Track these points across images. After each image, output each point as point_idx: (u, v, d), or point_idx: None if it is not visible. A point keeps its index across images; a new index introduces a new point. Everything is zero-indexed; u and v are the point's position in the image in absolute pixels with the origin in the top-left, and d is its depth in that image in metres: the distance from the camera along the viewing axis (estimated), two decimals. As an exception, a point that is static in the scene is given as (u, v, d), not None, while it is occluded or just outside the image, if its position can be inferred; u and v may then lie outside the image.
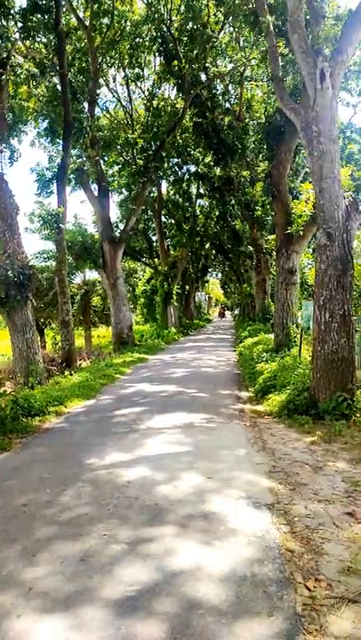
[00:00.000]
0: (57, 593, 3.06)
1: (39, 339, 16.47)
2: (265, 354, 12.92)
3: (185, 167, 29.47)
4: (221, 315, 76.91)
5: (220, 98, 21.79)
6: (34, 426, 7.76)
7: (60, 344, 17.66)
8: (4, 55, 10.99)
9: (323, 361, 7.59)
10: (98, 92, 20.84)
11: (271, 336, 15.66)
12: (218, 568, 3.28)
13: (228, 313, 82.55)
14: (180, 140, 24.06)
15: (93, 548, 3.62)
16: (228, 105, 22.37)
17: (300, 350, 11.53)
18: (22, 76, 14.44)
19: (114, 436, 6.98)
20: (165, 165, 25.06)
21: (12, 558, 3.51)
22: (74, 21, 18.09)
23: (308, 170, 16.51)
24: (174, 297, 31.83)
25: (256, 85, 21.02)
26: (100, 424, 7.80)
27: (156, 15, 18.16)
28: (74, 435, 7.20)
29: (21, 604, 2.96)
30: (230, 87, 23.03)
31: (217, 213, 31.80)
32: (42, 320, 27.28)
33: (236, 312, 63.17)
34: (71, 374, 13.07)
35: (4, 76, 11.73)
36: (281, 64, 11.31)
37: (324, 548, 3.54)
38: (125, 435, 7.01)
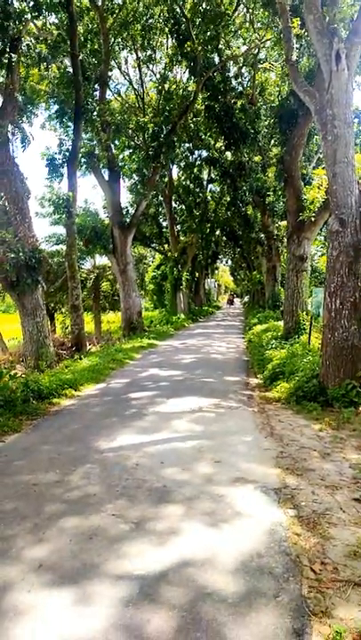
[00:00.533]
0: (66, 569, 3.12)
1: (49, 323, 16.57)
2: (274, 341, 12.89)
3: (196, 152, 29.20)
4: (230, 302, 73.19)
5: (233, 81, 21.43)
6: (44, 408, 7.84)
7: (69, 328, 17.77)
8: (16, 36, 10.86)
9: (332, 348, 7.56)
10: (109, 74, 20.62)
11: (281, 323, 15.61)
12: (224, 549, 3.32)
13: (237, 300, 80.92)
14: (192, 125, 23.79)
15: (102, 526, 3.68)
16: (240, 88, 22.03)
17: (309, 337, 11.49)
18: (34, 58, 14.28)
19: (123, 419, 7.04)
20: (177, 150, 24.82)
21: (22, 535, 3.58)
22: (86, 1, 17.83)
23: (320, 156, 16.26)
24: (184, 283, 31.75)
25: (270, 68, 20.63)
26: (109, 407, 7.86)
27: (169, -5, 17.83)
28: (83, 417, 7.26)
29: (31, 579, 3.02)
30: (244, 70, 22.66)
31: (228, 199, 31.53)
32: (52, 305, 27.40)
33: (246, 299, 62.75)
34: (81, 358, 13.15)
35: (14, 58, 11.63)
36: (296, 46, 11.09)
37: (331, 533, 3.56)
38: (134, 418, 7.06)
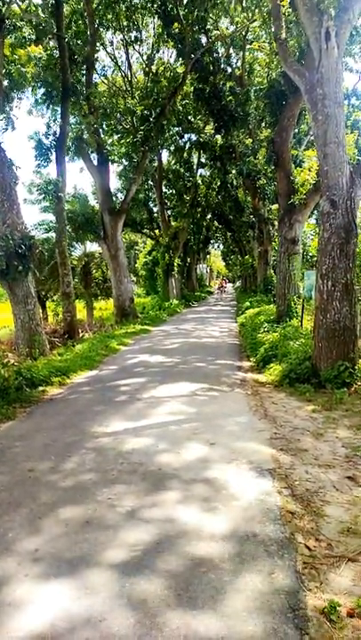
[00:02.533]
0: (62, 554, 3.13)
1: (41, 311, 16.47)
2: (266, 324, 12.92)
3: (186, 136, 28.87)
4: (222, 288, 57.90)
5: (222, 62, 21.10)
6: (37, 396, 7.83)
7: (61, 316, 17.68)
8: (0, 16, 10.58)
9: (325, 330, 7.59)
10: (96, 56, 20.22)
11: (272, 307, 15.63)
12: (220, 529, 3.35)
13: (229, 285, 75.73)
14: (181, 108, 23.46)
15: (98, 511, 3.70)
16: (229, 70, 21.71)
17: (301, 320, 11.53)
18: (19, 39, 13.97)
19: (117, 405, 7.05)
20: (166, 134, 24.52)
21: (18, 521, 3.59)
22: (70, -19, 17.43)
23: (311, 138, 16.14)
24: (176, 269, 31.63)
25: (259, 48, 20.32)
26: (103, 394, 7.86)
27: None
28: (77, 404, 7.27)
29: (28, 566, 3.03)
30: (232, 51, 22.31)
31: (218, 183, 31.29)
32: (43, 293, 27.20)
33: (238, 284, 62.26)
34: (73, 346, 13.11)
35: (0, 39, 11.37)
36: (284, 25, 10.92)
37: (325, 511, 3.61)
38: (128, 404, 7.08)
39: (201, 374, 9.12)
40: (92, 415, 6.49)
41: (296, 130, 16.31)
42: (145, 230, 37.04)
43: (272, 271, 22.96)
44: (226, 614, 2.52)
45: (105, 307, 35.49)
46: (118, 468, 4.52)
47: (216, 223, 46.34)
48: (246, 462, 4.55)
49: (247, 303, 22.69)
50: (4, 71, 13.00)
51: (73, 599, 2.68)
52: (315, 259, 14.62)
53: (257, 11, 17.44)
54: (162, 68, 21.78)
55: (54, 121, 18.06)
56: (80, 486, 4.16)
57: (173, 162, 31.39)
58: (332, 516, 3.52)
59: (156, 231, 34.73)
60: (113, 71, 24.43)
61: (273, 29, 10.11)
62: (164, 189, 32.49)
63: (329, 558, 3.03)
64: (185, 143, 29.27)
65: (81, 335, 17.14)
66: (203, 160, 31.84)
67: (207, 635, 2.38)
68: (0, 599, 2.71)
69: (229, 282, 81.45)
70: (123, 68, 23.45)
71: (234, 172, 24.03)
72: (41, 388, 8.24)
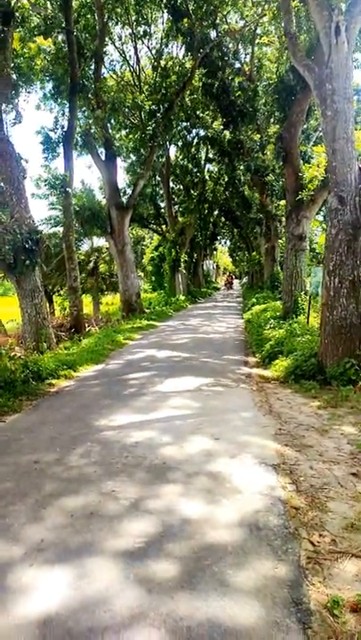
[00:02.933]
0: (68, 544, 3.16)
1: (47, 305, 16.53)
2: (272, 321, 12.90)
3: (194, 131, 28.77)
4: (228, 284, 57.63)
5: (231, 57, 20.97)
6: (44, 389, 7.88)
7: (68, 310, 17.74)
8: (8, 9, 10.57)
9: (331, 327, 7.57)
10: (104, 50, 20.17)
11: (279, 303, 15.59)
12: (224, 522, 3.37)
13: (236, 282, 73.69)
14: (189, 102, 23.38)
15: (103, 502, 3.72)
16: (238, 65, 21.58)
17: (308, 317, 11.50)
18: (29, 31, 13.96)
19: (123, 398, 7.08)
20: (174, 129, 24.44)
21: (24, 512, 3.62)
22: (79, -26, 17.38)
23: (320, 134, 16.03)
24: (182, 264, 31.61)
25: (268, 43, 20.16)
26: (109, 387, 7.89)
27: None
28: (83, 397, 7.30)
29: (33, 555, 3.06)
30: (241, 46, 22.16)
31: (226, 179, 31.20)
32: (50, 287, 27.32)
33: (245, 280, 61.97)
34: (80, 340, 13.16)
35: (8, 33, 11.34)
36: (294, 20, 10.84)
37: (329, 506, 3.61)
38: (134, 398, 7.10)
39: (207, 369, 9.12)
40: (98, 408, 6.52)
41: (305, 126, 16.22)
42: (152, 226, 36.99)
43: (279, 268, 22.89)
44: (229, 606, 2.53)
45: (111, 302, 35.59)
46: (123, 461, 4.55)
47: (223, 219, 46.18)
48: (251, 457, 4.56)
49: (253, 299, 22.65)
50: (12, 65, 13.01)
51: (76, 586, 2.72)
52: (321, 255, 14.55)
53: (267, 5, 17.32)
54: (170, 63, 21.68)
55: (62, 115, 18.07)
56: (85, 478, 4.19)
57: (181, 157, 31.31)
58: (336, 512, 3.52)
59: (163, 227, 34.69)
60: (121, 66, 24.39)
61: (283, 24, 10.02)
62: (171, 185, 32.43)
63: (333, 554, 3.03)
64: (193, 138, 29.18)
65: (87, 330, 17.21)
66: (210, 155, 31.74)
67: (210, 625, 2.40)
68: (6, 585, 2.74)
69: (236, 278, 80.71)
70: (131, 63, 23.40)
71: (242, 167, 23.91)
72: (47, 382, 8.29)
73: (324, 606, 2.54)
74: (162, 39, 21.92)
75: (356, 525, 3.32)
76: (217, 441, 5.05)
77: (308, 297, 12.44)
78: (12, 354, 9.62)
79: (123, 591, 2.67)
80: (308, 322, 11.35)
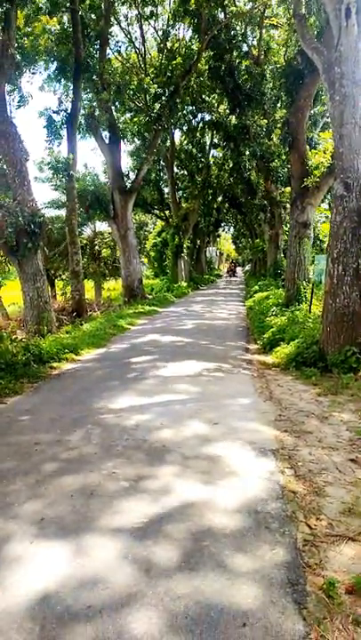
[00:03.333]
0: (67, 522, 3.20)
1: (50, 289, 16.50)
2: (275, 308, 12.89)
3: (199, 115, 28.44)
4: (231, 272, 57.89)
5: (239, 39, 20.62)
6: (45, 372, 7.91)
7: (70, 294, 17.73)
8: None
9: (333, 314, 7.54)
10: (110, 31, 19.85)
11: (281, 291, 15.55)
12: (222, 505, 3.39)
13: (239, 269, 73.07)
14: (195, 86, 23.06)
15: (103, 483, 3.75)
16: (246, 48, 21.24)
17: (310, 305, 11.47)
18: (34, 11, 13.73)
19: (123, 382, 7.10)
20: (179, 113, 24.14)
21: (24, 491, 3.65)
22: None
23: (327, 120, 15.82)
24: (185, 251, 31.49)
25: (277, 24, 19.81)
26: (110, 371, 7.92)
27: None
28: (84, 381, 7.33)
29: (34, 532, 3.10)
30: (249, 29, 21.78)
31: (231, 165, 30.88)
32: (52, 271, 27.26)
33: (248, 268, 61.65)
34: (82, 324, 13.18)
35: (12, 12, 11.15)
36: (303, 1, 10.64)
37: (327, 491, 3.63)
38: (135, 382, 7.12)
39: (208, 355, 9.13)
40: (99, 391, 6.55)
41: (312, 111, 16.00)
42: (155, 211, 36.79)
43: (282, 255, 22.79)
44: (226, 586, 2.56)
45: (113, 287, 35.55)
46: (123, 444, 4.58)
47: (227, 205, 45.86)
48: (250, 442, 4.58)
49: (256, 287, 22.61)
50: (16, 44, 12.82)
51: (75, 563, 2.76)
52: (324, 243, 14.48)
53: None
54: (177, 45, 21.34)
55: (66, 97, 17.87)
56: (85, 459, 4.22)
57: (186, 142, 31.01)
58: (333, 497, 3.54)
59: (167, 212, 34.50)
60: (127, 47, 24.01)
61: (292, 5, 9.82)
62: (175, 170, 32.17)
63: (329, 537, 3.06)
64: (198, 123, 28.85)
65: (89, 314, 17.22)
66: (216, 141, 31.42)
67: (207, 604, 2.43)
68: (6, 562, 2.78)
69: (239, 265, 79.96)
70: (137, 45, 23.04)
71: (247, 153, 23.68)
72: (49, 365, 8.32)
73: (320, 588, 2.57)
74: (168, 20, 21.54)
75: (353, 510, 3.34)
76: (217, 425, 5.07)
77: (310, 285, 12.40)
78: (14, 337, 9.64)
79: (121, 569, 2.71)
80: (310, 309, 11.32)
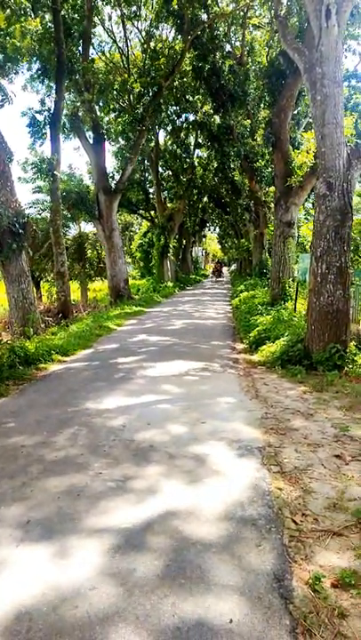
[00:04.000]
0: (54, 525, 3.18)
1: (35, 290, 16.39)
2: (260, 307, 12.96)
3: (183, 116, 28.47)
4: (217, 272, 50.89)
5: (222, 40, 20.70)
6: (30, 374, 7.85)
7: (55, 296, 17.62)
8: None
9: (318, 313, 7.62)
10: (92, 31, 19.77)
11: (267, 290, 15.65)
12: (209, 503, 3.41)
13: (225, 269, 70.48)
14: (179, 86, 23.08)
15: (90, 484, 3.74)
16: (229, 48, 21.33)
17: (295, 303, 11.56)
18: (14, 10, 13.56)
19: (110, 383, 7.08)
20: (163, 113, 24.14)
21: (10, 494, 3.63)
22: None
23: (310, 120, 15.94)
24: (171, 251, 31.50)
25: (259, 24, 19.93)
26: (96, 372, 7.89)
27: None
28: (70, 382, 7.29)
29: (20, 535, 3.08)
30: (232, 29, 21.88)
31: (215, 165, 30.97)
32: (37, 273, 27.07)
33: (233, 267, 61.58)
34: (68, 325, 13.10)
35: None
36: (284, 2, 10.74)
37: (312, 487, 3.67)
38: (121, 382, 7.11)
39: (195, 354, 9.15)
40: (85, 393, 6.53)
41: (295, 111, 16.13)
42: (140, 211, 36.71)
43: (267, 254, 22.92)
44: (212, 582, 2.58)
45: (99, 288, 35.42)
46: (110, 444, 4.57)
47: (212, 205, 45.96)
48: (237, 440, 4.60)
49: (242, 286, 22.71)
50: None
51: (60, 564, 2.75)
52: (308, 243, 14.58)
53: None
54: (160, 45, 21.34)
55: (49, 97, 17.73)
56: (71, 461, 4.20)
57: (170, 142, 31.01)
58: (319, 493, 3.58)
59: (152, 212, 34.46)
60: (110, 47, 23.94)
61: (274, 6, 9.89)
62: (160, 170, 32.15)
63: (315, 532, 3.09)
64: (182, 123, 28.87)
65: (75, 315, 17.13)
66: (200, 141, 31.48)
67: (193, 599, 2.44)
68: (-9, 567, 2.77)
69: (225, 265, 79.52)
70: (120, 45, 22.98)
71: (231, 153, 23.77)
72: (34, 366, 8.27)
73: (306, 582, 2.59)
74: (152, 21, 21.53)
75: (338, 505, 3.38)
76: (203, 424, 5.09)
77: (295, 283, 12.50)
78: (-1, 339, 9.56)
79: (106, 572, 2.71)
80: (295, 308, 11.42)
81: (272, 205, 18.28)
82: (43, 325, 12.69)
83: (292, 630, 2.27)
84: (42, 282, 28.73)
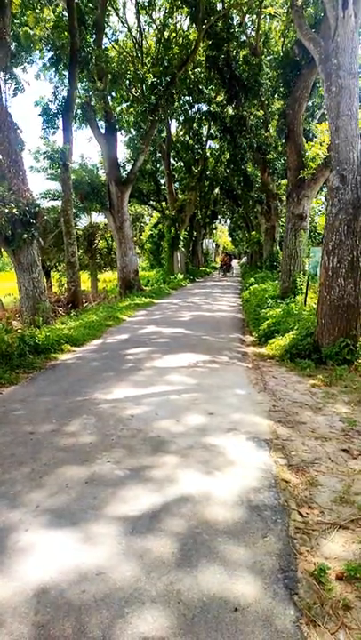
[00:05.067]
0: (63, 510, 3.23)
1: (45, 280, 16.46)
2: (270, 300, 12.91)
3: (196, 106, 28.25)
4: (226, 266, 41.85)
5: (237, 29, 20.45)
6: (40, 362, 7.91)
7: (66, 286, 17.69)
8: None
9: (328, 307, 7.58)
10: (106, 19, 19.62)
11: (277, 283, 15.57)
12: (216, 493, 3.43)
13: (234, 262, 69.59)
14: (192, 76, 22.89)
15: (98, 472, 3.78)
16: (244, 38, 21.07)
17: (305, 297, 11.51)
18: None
19: (119, 373, 7.12)
20: (176, 103, 23.95)
21: (20, 480, 3.68)
22: None
23: (324, 111, 15.75)
24: (181, 242, 31.39)
25: (274, 14, 19.64)
26: (106, 362, 7.93)
27: None
28: (80, 371, 7.34)
29: (29, 520, 3.13)
30: (247, 19, 21.60)
31: (227, 156, 30.73)
32: (48, 262, 27.18)
33: (244, 260, 61.12)
34: (77, 315, 13.17)
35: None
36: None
37: (319, 480, 3.68)
38: (131, 373, 7.15)
39: (204, 346, 9.16)
40: (94, 382, 6.57)
41: (309, 103, 15.94)
42: (151, 202, 36.63)
43: (278, 247, 22.79)
44: (219, 572, 2.61)
45: (109, 279, 35.48)
46: (118, 434, 4.61)
47: (224, 197, 45.68)
48: (244, 432, 4.62)
49: (252, 279, 22.61)
50: (12, 32, 12.68)
51: (71, 549, 2.80)
52: (320, 236, 14.46)
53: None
54: (174, 35, 21.15)
55: (62, 85, 17.66)
56: (80, 449, 4.25)
57: (183, 133, 30.82)
58: (325, 486, 3.59)
59: (163, 203, 34.35)
60: (125, 36, 23.78)
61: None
62: (172, 161, 32.00)
63: (321, 525, 3.11)
64: (195, 114, 28.66)
65: (85, 305, 17.20)
66: (212, 132, 31.25)
67: (199, 589, 2.47)
68: (7, 546, 2.81)
69: (235, 258, 78.55)
70: (134, 34, 22.81)
71: (244, 144, 23.58)
72: (44, 355, 8.32)
73: (311, 574, 2.62)
74: (166, 9, 21.32)
75: (344, 499, 3.39)
76: (212, 416, 5.11)
77: (306, 277, 12.43)
78: (9, 327, 9.63)
79: (118, 554, 2.75)
80: (305, 302, 11.37)
81: (284, 198, 18.16)
82: (53, 315, 12.77)
83: (297, 620, 2.29)
84: (52, 271, 28.85)
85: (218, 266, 48.51)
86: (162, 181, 34.63)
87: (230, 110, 23.60)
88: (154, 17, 22.62)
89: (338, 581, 2.59)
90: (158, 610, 2.34)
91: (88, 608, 2.36)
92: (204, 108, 27.37)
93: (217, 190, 42.13)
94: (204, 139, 32.47)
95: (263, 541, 2.89)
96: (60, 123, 15.60)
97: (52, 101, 15.64)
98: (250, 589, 2.48)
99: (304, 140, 13.54)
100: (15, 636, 2.20)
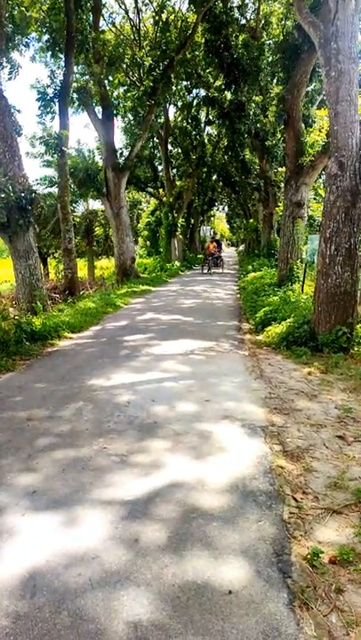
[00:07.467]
0: (59, 495, 3.26)
1: (42, 267, 16.38)
2: (267, 288, 12.91)
3: (194, 91, 27.92)
4: (212, 258, 28.63)
5: (236, 12, 20.11)
6: (37, 349, 7.91)
7: (62, 273, 17.62)
8: None
9: (325, 294, 7.57)
10: (103, 2, 19.29)
11: (274, 271, 15.55)
12: (211, 479, 3.46)
13: (232, 249, 69.44)
14: (191, 60, 22.56)
15: (94, 458, 3.81)
16: (244, 21, 20.73)
17: (303, 284, 11.50)
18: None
19: (116, 360, 7.13)
20: (174, 88, 23.65)
21: (16, 465, 3.70)
22: None
23: (324, 97, 15.59)
24: (179, 230, 31.24)
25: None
26: (102, 349, 7.93)
27: None
28: (76, 358, 7.35)
29: (25, 504, 3.15)
30: (247, 1, 21.25)
31: (226, 142, 30.46)
32: (44, 249, 27.03)
33: (241, 248, 61.08)
34: (74, 302, 13.13)
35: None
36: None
37: (314, 466, 3.71)
38: (127, 359, 7.15)
39: (200, 334, 9.17)
40: (91, 369, 6.58)
41: (308, 88, 15.76)
42: (149, 189, 36.35)
43: (276, 235, 22.70)
44: (213, 556, 2.64)
45: (106, 266, 35.36)
46: (114, 420, 4.63)
47: (221, 184, 45.34)
48: (240, 419, 4.64)
49: (249, 267, 22.58)
50: (7, 14, 12.43)
51: (64, 530, 2.83)
52: (317, 223, 14.40)
53: None
54: (172, 17, 20.80)
55: (58, 69, 17.38)
56: (76, 435, 4.27)
57: (180, 118, 30.49)
58: (320, 472, 3.62)
59: (160, 190, 34.10)
60: (122, 18, 23.40)
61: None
62: (169, 147, 31.70)
63: (315, 510, 3.14)
64: (193, 99, 28.34)
65: (82, 292, 17.15)
66: (210, 118, 30.91)
67: (194, 572, 2.50)
68: (2, 530, 2.84)
69: (232, 245, 78.08)
70: (131, 16, 22.44)
71: (242, 130, 23.34)
72: (41, 342, 8.32)
73: (305, 558, 2.65)
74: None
75: (338, 484, 3.42)
76: (208, 402, 5.13)
77: (303, 264, 12.40)
78: (6, 314, 9.60)
79: (109, 538, 2.77)
80: (302, 289, 11.36)
81: (282, 185, 18.04)
82: (50, 302, 12.73)
83: (290, 603, 2.32)
84: (49, 258, 28.71)
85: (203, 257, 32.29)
86: (159, 168, 34.34)
87: (229, 95, 23.32)
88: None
89: (331, 565, 2.62)
90: (153, 593, 2.37)
91: (84, 591, 2.39)
92: (203, 93, 27.05)
93: (215, 177, 41.80)
94: (203, 124, 32.14)
95: (258, 526, 2.91)
96: (56, 108, 15.38)
97: (48, 85, 15.40)
98: (244, 573, 2.51)
99: (303, 125, 13.42)
100: (12, 618, 2.23)
